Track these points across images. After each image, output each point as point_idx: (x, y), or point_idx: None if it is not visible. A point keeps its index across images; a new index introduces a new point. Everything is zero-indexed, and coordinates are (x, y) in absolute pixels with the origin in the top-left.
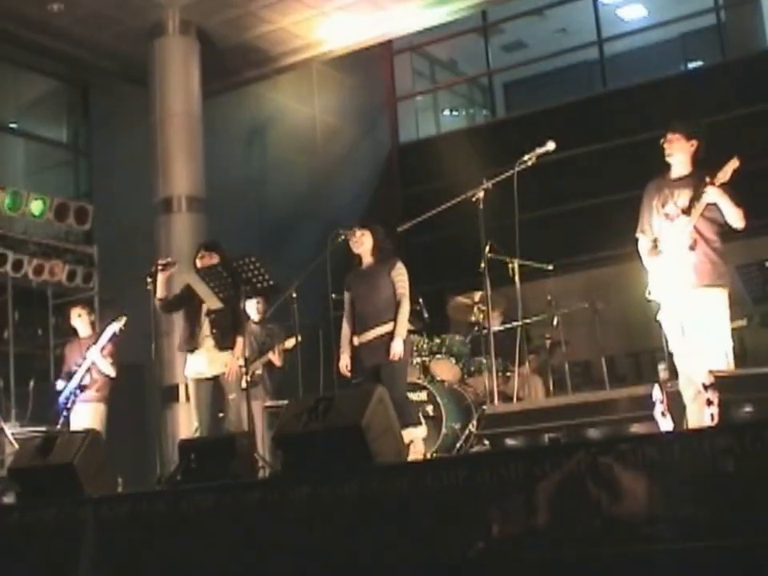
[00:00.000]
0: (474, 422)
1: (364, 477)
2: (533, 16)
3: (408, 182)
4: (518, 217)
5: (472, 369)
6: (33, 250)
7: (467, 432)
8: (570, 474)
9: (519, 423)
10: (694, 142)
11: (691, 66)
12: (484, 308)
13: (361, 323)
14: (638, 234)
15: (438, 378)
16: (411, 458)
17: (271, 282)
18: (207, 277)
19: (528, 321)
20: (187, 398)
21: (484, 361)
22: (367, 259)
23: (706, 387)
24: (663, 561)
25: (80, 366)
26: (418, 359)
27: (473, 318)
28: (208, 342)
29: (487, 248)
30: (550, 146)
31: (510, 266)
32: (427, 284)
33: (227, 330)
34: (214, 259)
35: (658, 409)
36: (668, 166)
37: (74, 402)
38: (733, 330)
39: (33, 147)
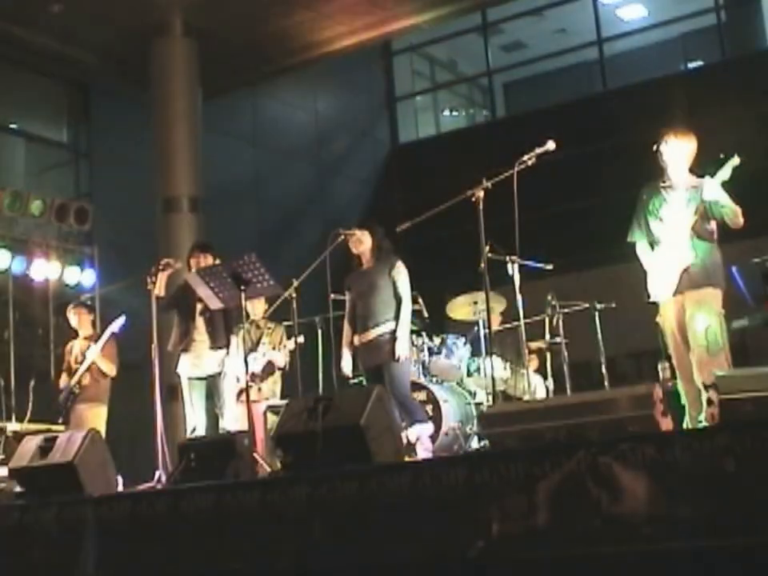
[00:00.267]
0: (474, 422)
1: (364, 476)
2: (532, 16)
3: (408, 182)
4: (517, 217)
5: (472, 369)
6: (33, 250)
7: (467, 432)
8: (570, 474)
9: (519, 423)
10: (692, 145)
11: (691, 65)
12: (484, 308)
13: (362, 323)
14: (633, 239)
15: (438, 378)
16: (420, 455)
17: (271, 282)
18: (207, 277)
19: (528, 321)
20: (181, 398)
21: (484, 360)
22: (367, 259)
23: (706, 387)
24: (663, 561)
25: (80, 365)
26: (418, 359)
27: (473, 318)
28: (202, 342)
29: (487, 248)
30: (550, 145)
31: (510, 265)
32: (427, 284)
33: (221, 329)
34: (208, 260)
35: (658, 409)
36: (662, 171)
37: (73, 402)
38: (734, 330)
39: (33, 147)
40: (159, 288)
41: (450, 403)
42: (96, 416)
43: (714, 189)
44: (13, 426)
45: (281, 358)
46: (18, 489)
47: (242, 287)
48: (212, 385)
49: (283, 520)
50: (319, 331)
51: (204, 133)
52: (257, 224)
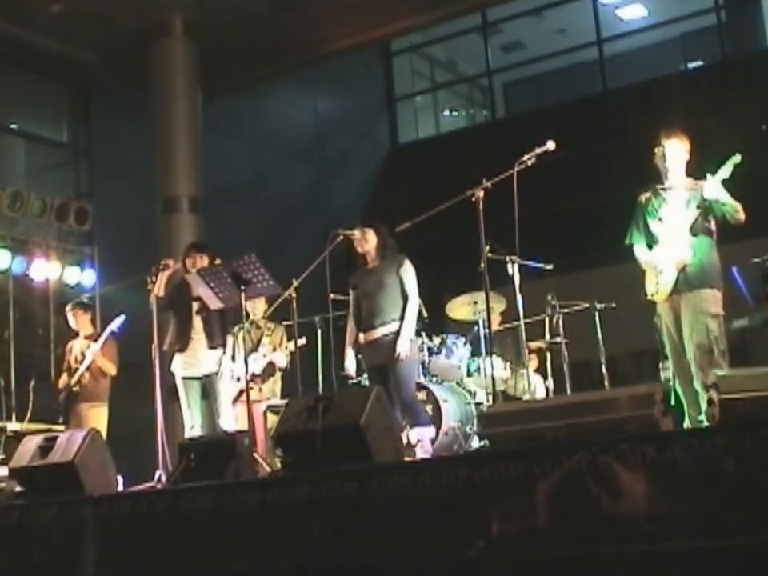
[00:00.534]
0: (474, 422)
1: (364, 476)
2: (532, 16)
3: (408, 182)
4: (517, 217)
5: (472, 369)
6: (33, 250)
7: (467, 432)
8: (570, 474)
9: (519, 423)
10: (689, 147)
11: (691, 65)
12: (484, 308)
13: (367, 322)
14: (631, 242)
15: (438, 378)
16: (419, 457)
17: (271, 282)
18: (208, 277)
19: (528, 321)
20: (177, 398)
21: (483, 360)
22: (372, 258)
23: (706, 387)
24: (663, 561)
25: (80, 365)
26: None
27: (473, 318)
28: (198, 341)
29: (487, 248)
30: (550, 145)
31: (510, 265)
32: (427, 284)
33: (217, 328)
34: (204, 260)
35: (658, 409)
36: (660, 172)
37: (73, 402)
38: (734, 330)
39: (33, 147)
40: (159, 288)
41: (449, 403)
42: (96, 415)
43: (714, 187)
44: (13, 426)
45: (281, 359)
46: (18, 488)
47: (242, 287)
48: (208, 384)
49: (283, 520)
50: (319, 331)
51: (204, 133)
52: (257, 224)
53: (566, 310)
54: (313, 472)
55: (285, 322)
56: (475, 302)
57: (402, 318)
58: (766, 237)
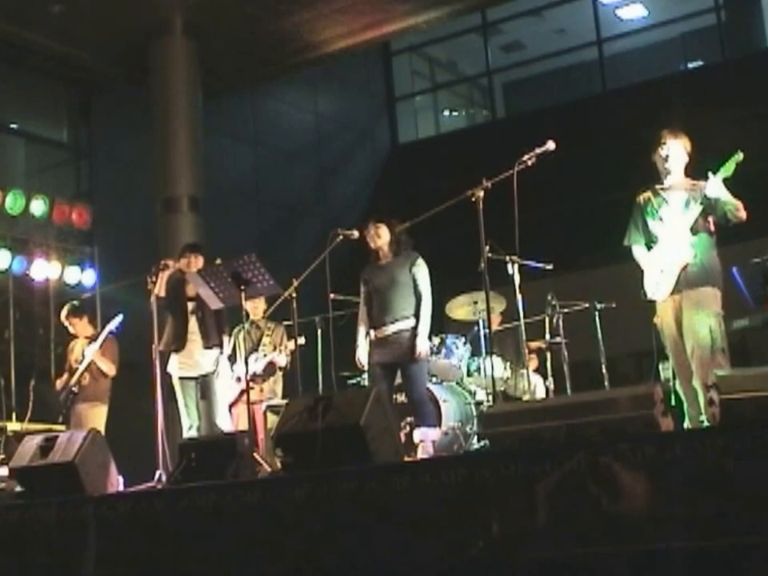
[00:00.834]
0: (474, 422)
1: (363, 476)
2: (532, 16)
3: (407, 183)
4: (517, 217)
5: (472, 369)
6: (33, 249)
7: (467, 432)
8: (570, 474)
9: (519, 423)
10: (687, 146)
11: (691, 65)
12: (484, 308)
13: (378, 318)
14: (630, 243)
15: (438, 378)
16: (420, 456)
17: (271, 282)
18: (208, 277)
19: (528, 321)
20: (173, 398)
21: (483, 360)
22: (385, 253)
23: (707, 387)
24: (663, 560)
25: (80, 364)
26: None
27: (473, 318)
28: (195, 341)
29: (487, 248)
30: (550, 145)
31: (510, 265)
32: None
33: (213, 328)
34: (199, 261)
35: (658, 408)
36: (659, 172)
37: (73, 402)
38: (734, 330)
39: (33, 147)
40: (159, 288)
41: (449, 403)
42: (96, 415)
43: (716, 185)
44: (13, 426)
45: (282, 359)
46: (18, 488)
47: (242, 287)
48: (205, 384)
49: (283, 520)
50: (319, 331)
51: (204, 133)
52: (257, 224)
53: (566, 310)
54: (313, 472)
55: (285, 322)
56: (475, 302)
57: (416, 317)
58: (766, 237)
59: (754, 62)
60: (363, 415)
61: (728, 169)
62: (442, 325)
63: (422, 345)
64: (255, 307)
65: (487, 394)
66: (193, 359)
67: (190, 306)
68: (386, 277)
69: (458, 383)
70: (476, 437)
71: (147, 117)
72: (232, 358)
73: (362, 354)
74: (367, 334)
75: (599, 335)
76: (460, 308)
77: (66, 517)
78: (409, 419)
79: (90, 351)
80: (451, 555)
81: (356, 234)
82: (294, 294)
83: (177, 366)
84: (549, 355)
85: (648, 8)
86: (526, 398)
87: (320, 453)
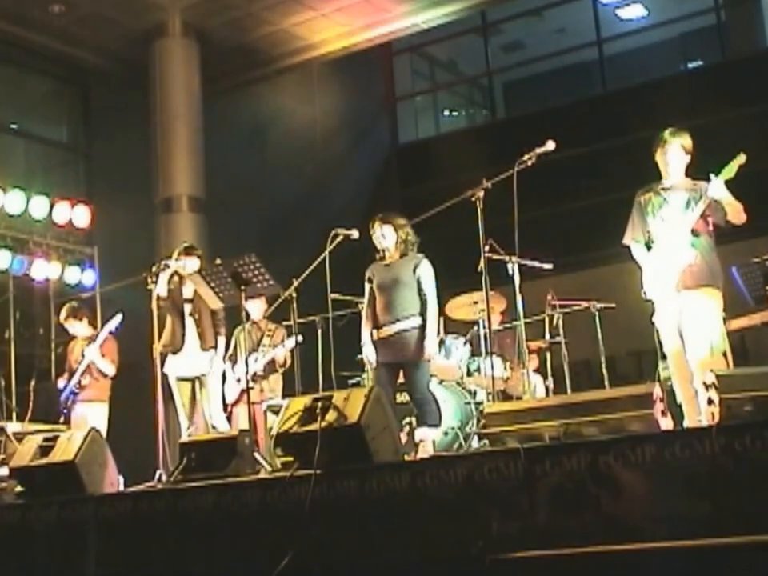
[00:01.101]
0: (474, 422)
1: (363, 476)
2: (532, 16)
3: (407, 183)
4: (517, 216)
5: (471, 369)
6: (33, 250)
7: (467, 431)
8: (570, 473)
9: (519, 422)
10: (689, 146)
11: (691, 65)
12: (483, 308)
13: (382, 317)
14: (629, 242)
15: (438, 378)
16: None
17: (271, 282)
18: (208, 277)
19: (528, 320)
20: (172, 398)
21: (484, 360)
22: (392, 253)
23: (706, 387)
24: (663, 560)
25: (80, 365)
26: None
27: (473, 318)
28: (192, 343)
29: (487, 248)
30: (550, 145)
31: (510, 265)
32: None
33: (209, 330)
34: (194, 263)
35: (658, 408)
36: (660, 171)
37: (74, 402)
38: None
39: (33, 147)
40: (160, 288)
41: (449, 403)
42: (97, 415)
43: (718, 187)
44: (13, 426)
45: (281, 355)
46: (18, 488)
47: (242, 287)
48: (201, 384)
49: (283, 520)
50: (319, 331)
51: (204, 133)
52: (257, 224)
53: (566, 310)
54: (313, 472)
55: (285, 322)
56: (475, 302)
57: (420, 317)
58: (766, 237)
59: (753, 62)
60: (363, 415)
61: (730, 170)
62: (441, 325)
63: (431, 345)
64: (255, 307)
65: (487, 394)
66: (189, 360)
67: (187, 307)
68: (390, 276)
69: (457, 383)
70: (476, 437)
71: (147, 117)
72: (233, 358)
73: (370, 351)
74: (370, 333)
75: (599, 335)
76: (460, 308)
77: (66, 517)
78: (409, 419)
79: (89, 352)
80: (451, 555)
81: (356, 234)
82: (294, 294)
83: (174, 366)
84: (549, 355)
85: (648, 8)
86: (526, 397)
87: (320, 453)
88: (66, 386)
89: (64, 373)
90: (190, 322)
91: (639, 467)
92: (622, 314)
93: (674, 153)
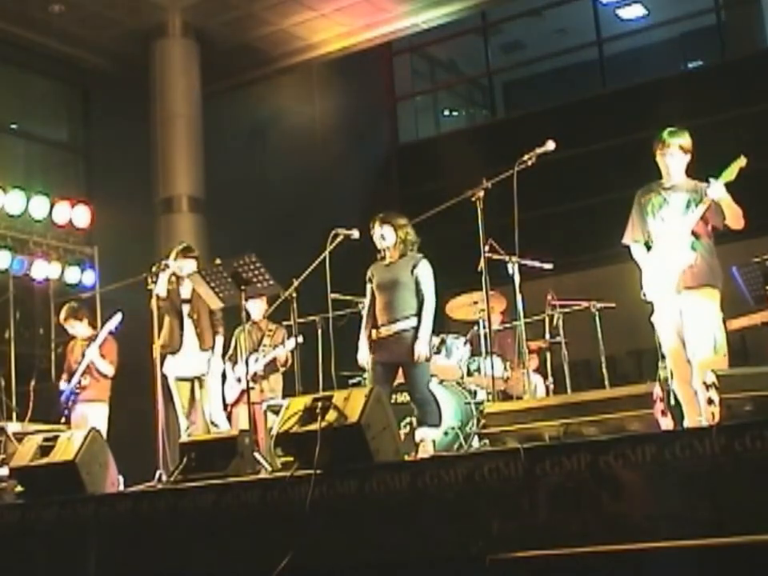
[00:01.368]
0: (474, 422)
1: (364, 476)
2: (532, 16)
3: (407, 183)
4: (517, 216)
5: (472, 368)
6: (33, 249)
7: (467, 431)
8: (570, 473)
9: (519, 422)
10: (690, 147)
11: (691, 65)
12: (483, 307)
13: (381, 317)
14: (629, 242)
15: (438, 378)
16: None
17: (271, 282)
18: (208, 277)
19: (528, 320)
20: (172, 399)
21: (484, 360)
22: (392, 253)
23: (707, 386)
24: (663, 560)
25: (80, 365)
26: None
27: (473, 318)
28: (190, 343)
29: (487, 247)
30: (550, 145)
31: (510, 265)
32: None
33: (208, 330)
34: (191, 264)
35: (658, 407)
36: (660, 172)
37: (74, 402)
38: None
39: (33, 147)
40: (160, 288)
41: (450, 403)
42: (97, 415)
43: (718, 190)
44: (13, 426)
45: (282, 354)
46: (18, 488)
47: (242, 287)
48: (199, 385)
49: (283, 520)
50: (319, 331)
51: (204, 132)
52: (257, 224)
53: (566, 310)
54: (313, 471)
55: (285, 322)
56: (475, 302)
57: (417, 317)
58: (766, 237)
59: (753, 62)
60: (363, 415)
61: (730, 173)
62: (442, 325)
63: (422, 349)
64: (256, 308)
65: (487, 394)
66: (188, 360)
67: (185, 308)
68: (389, 276)
69: (458, 383)
70: (476, 437)
71: (147, 117)
72: (233, 359)
73: (363, 357)
74: (369, 334)
75: (599, 335)
76: (460, 308)
77: (66, 517)
78: (409, 419)
79: (89, 352)
80: (451, 555)
81: (356, 233)
82: (294, 294)
83: (172, 367)
84: (549, 355)
85: (648, 8)
86: (526, 397)
87: (320, 453)
88: (65, 386)
89: (63, 373)
90: (188, 322)
91: (639, 467)
92: (622, 313)
93: (672, 153)
